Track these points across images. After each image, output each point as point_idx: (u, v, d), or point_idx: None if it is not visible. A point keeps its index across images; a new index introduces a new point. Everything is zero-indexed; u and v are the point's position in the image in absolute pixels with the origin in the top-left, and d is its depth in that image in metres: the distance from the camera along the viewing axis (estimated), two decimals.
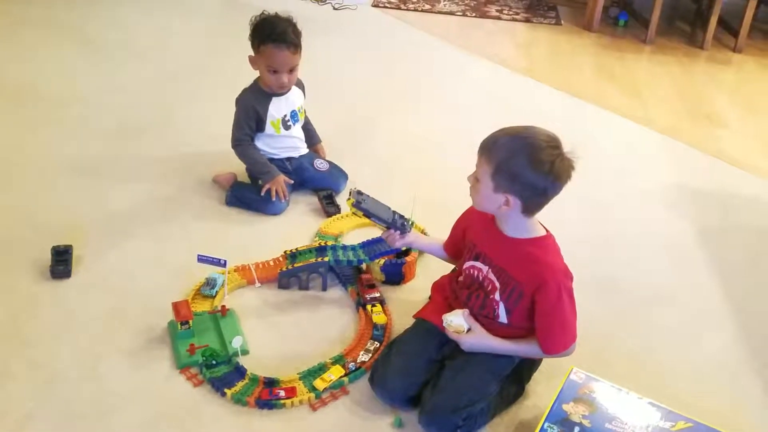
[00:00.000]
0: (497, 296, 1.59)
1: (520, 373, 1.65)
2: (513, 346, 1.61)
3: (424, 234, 2.17)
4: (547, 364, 1.71)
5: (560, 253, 1.59)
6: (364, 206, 1.71)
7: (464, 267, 1.67)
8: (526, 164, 1.44)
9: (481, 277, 1.62)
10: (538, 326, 1.57)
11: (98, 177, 2.39)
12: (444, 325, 1.63)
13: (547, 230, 1.60)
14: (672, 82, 3.56)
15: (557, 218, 2.33)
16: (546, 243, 1.57)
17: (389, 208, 1.77)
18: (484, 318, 1.63)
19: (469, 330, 1.61)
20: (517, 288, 1.56)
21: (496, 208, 1.52)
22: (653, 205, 2.49)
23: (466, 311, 1.63)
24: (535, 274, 1.53)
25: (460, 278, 1.69)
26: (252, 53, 2.20)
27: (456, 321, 1.61)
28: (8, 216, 2.17)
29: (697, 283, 2.11)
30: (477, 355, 1.60)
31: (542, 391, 1.66)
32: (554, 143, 1.47)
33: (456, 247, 1.78)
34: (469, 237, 1.67)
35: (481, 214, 1.61)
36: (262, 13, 2.20)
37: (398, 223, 1.75)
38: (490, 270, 1.60)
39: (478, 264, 1.62)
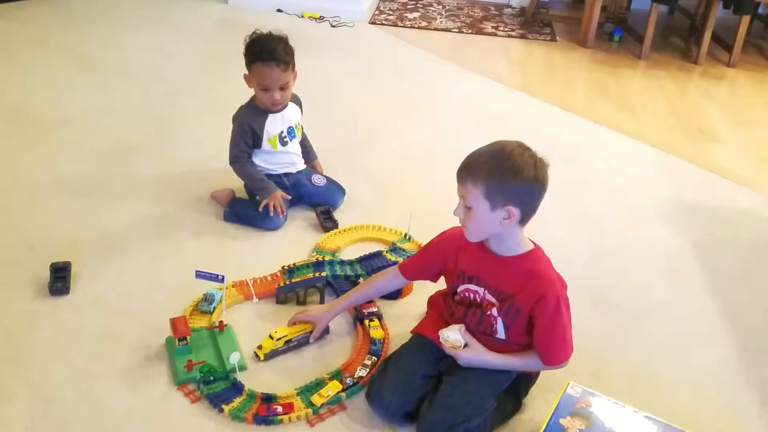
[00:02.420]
0: (495, 312, 1.60)
1: (517, 387, 1.65)
2: (510, 361, 1.61)
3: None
4: (544, 378, 1.72)
5: (551, 263, 1.60)
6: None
7: (458, 290, 1.66)
8: (512, 174, 1.46)
9: (478, 299, 1.62)
10: (538, 339, 1.58)
11: (95, 196, 2.41)
12: (441, 340, 1.63)
13: (534, 243, 1.61)
14: (666, 96, 3.59)
15: (552, 232, 2.36)
16: (538, 256, 1.58)
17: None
18: (481, 334, 1.64)
19: (466, 345, 1.62)
20: (515, 304, 1.57)
21: (497, 226, 1.52)
22: (647, 219, 2.51)
23: (462, 327, 1.63)
24: (533, 289, 1.54)
25: (456, 297, 1.69)
26: (246, 72, 2.23)
27: (453, 336, 1.62)
28: (5, 235, 2.18)
29: (692, 295, 2.13)
30: (474, 370, 1.60)
31: (539, 405, 1.67)
32: (526, 148, 1.50)
33: (421, 272, 1.78)
34: (459, 266, 1.64)
35: (466, 243, 1.60)
36: (255, 32, 2.22)
37: (302, 340, 1.81)
38: (486, 291, 1.60)
39: (473, 287, 1.62)
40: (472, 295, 1.63)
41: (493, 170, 1.47)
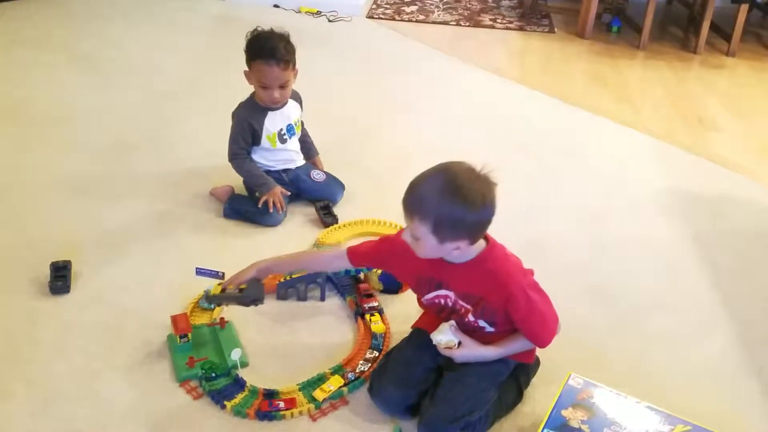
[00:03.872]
0: (471, 317, 1.59)
1: (517, 378, 1.65)
2: (505, 349, 1.60)
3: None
4: (545, 370, 1.72)
5: (507, 252, 1.57)
6: (216, 302, 1.82)
7: (426, 298, 1.64)
8: (460, 208, 1.41)
9: (450, 303, 1.61)
10: (522, 330, 1.58)
11: (94, 194, 2.41)
12: (434, 343, 1.61)
13: (487, 237, 1.55)
14: (665, 87, 3.59)
15: (551, 225, 2.37)
16: (493, 253, 1.54)
17: (236, 292, 1.74)
18: (471, 331, 1.63)
19: (460, 343, 1.60)
20: (487, 306, 1.56)
21: (447, 253, 1.50)
22: (646, 210, 2.50)
23: (453, 324, 1.61)
24: (498, 290, 1.52)
25: (425, 302, 1.66)
26: (247, 68, 2.23)
27: (445, 338, 1.60)
28: (5, 234, 2.18)
29: (693, 287, 2.12)
30: (472, 364, 1.60)
31: (540, 397, 1.67)
32: (472, 173, 1.44)
33: (369, 263, 1.75)
34: (422, 272, 1.60)
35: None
36: (256, 28, 2.22)
37: (248, 300, 1.74)
38: (456, 295, 1.59)
39: (443, 292, 1.60)
40: (443, 301, 1.61)
41: (442, 209, 1.42)
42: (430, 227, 1.44)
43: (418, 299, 1.71)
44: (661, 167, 2.80)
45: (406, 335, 1.73)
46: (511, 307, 1.53)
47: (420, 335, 1.69)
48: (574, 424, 1.48)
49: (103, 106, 3.02)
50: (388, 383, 1.61)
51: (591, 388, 1.58)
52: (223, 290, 1.74)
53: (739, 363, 1.84)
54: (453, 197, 1.41)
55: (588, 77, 3.68)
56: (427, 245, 1.48)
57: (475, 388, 1.55)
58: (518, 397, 1.66)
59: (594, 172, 2.73)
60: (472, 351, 1.60)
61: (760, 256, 2.29)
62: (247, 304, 1.74)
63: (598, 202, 2.53)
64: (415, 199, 1.46)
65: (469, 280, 1.55)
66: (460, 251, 1.49)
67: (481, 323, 1.59)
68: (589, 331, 1.90)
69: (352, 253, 1.72)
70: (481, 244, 1.54)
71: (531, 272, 1.60)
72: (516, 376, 1.65)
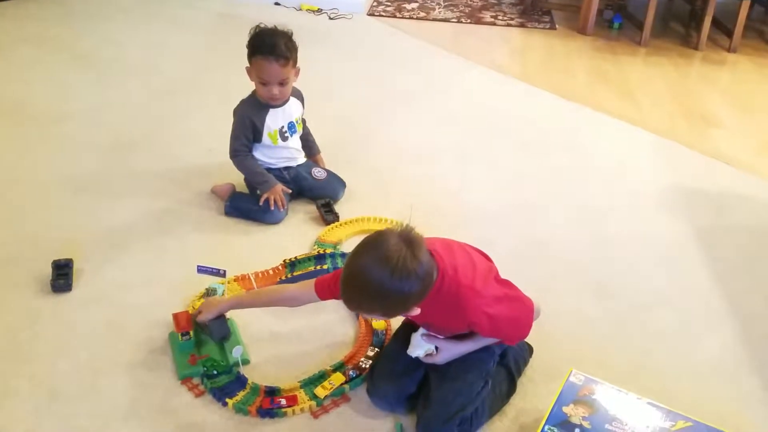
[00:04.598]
0: (443, 337, 1.60)
1: (508, 367, 1.65)
2: (484, 340, 1.59)
3: None
4: (546, 366, 1.72)
5: (458, 270, 1.47)
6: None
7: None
8: (401, 291, 1.35)
9: (419, 324, 1.62)
10: (497, 337, 1.58)
11: (95, 192, 2.41)
12: (413, 357, 1.60)
13: (432, 256, 1.43)
14: (667, 83, 3.58)
15: (553, 222, 2.37)
16: (444, 285, 1.45)
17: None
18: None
19: (437, 348, 1.59)
20: (453, 330, 1.58)
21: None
22: (649, 207, 2.50)
23: (423, 332, 1.60)
24: (458, 319, 1.51)
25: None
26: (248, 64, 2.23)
27: (422, 350, 1.59)
28: (6, 233, 2.18)
29: (694, 283, 2.12)
30: (455, 359, 1.59)
31: (542, 393, 1.67)
32: (400, 245, 1.34)
33: (331, 296, 1.65)
34: None
35: None
36: (259, 25, 2.22)
37: (217, 337, 1.74)
38: (418, 323, 1.61)
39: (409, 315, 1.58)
40: (410, 317, 1.62)
41: (385, 299, 1.37)
42: (379, 314, 1.48)
43: None
44: (662, 163, 2.80)
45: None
46: (475, 330, 1.54)
47: (405, 330, 1.70)
48: (576, 420, 1.48)
49: (104, 105, 3.02)
50: (379, 379, 1.62)
51: (592, 384, 1.57)
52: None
53: (741, 359, 1.84)
54: (390, 289, 1.34)
55: (589, 74, 3.68)
56: (382, 319, 1.53)
57: (463, 382, 1.56)
58: (512, 386, 1.66)
59: (595, 168, 2.72)
60: (451, 351, 1.59)
61: (762, 253, 2.28)
62: (216, 341, 1.75)
63: (599, 198, 2.53)
64: (355, 300, 1.42)
65: (427, 315, 1.51)
66: (413, 313, 1.46)
67: (458, 333, 1.60)
68: (591, 327, 1.90)
69: (319, 288, 1.65)
70: (426, 293, 1.43)
71: (492, 273, 1.55)
72: (506, 364, 1.65)
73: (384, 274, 1.33)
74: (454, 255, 1.50)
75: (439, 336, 1.61)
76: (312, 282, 1.67)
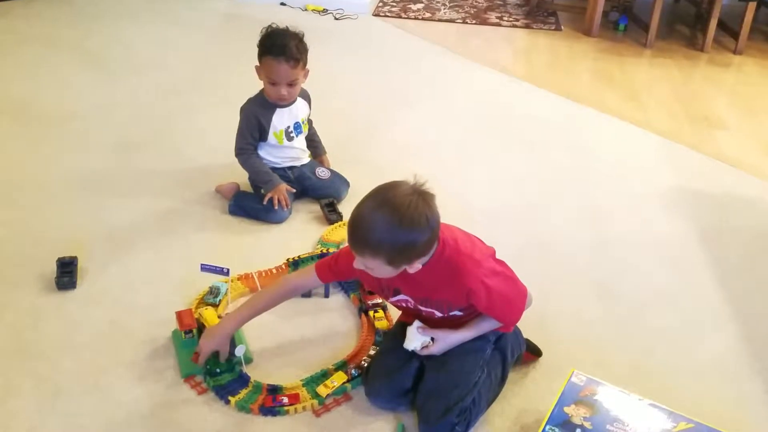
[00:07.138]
0: (438, 315, 1.60)
1: (503, 351, 1.65)
2: (478, 328, 1.60)
3: None
4: (548, 366, 1.73)
5: (459, 243, 1.52)
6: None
7: (391, 301, 1.65)
8: (409, 237, 1.39)
9: (413, 307, 1.62)
10: (491, 315, 1.58)
11: (100, 191, 2.42)
12: (410, 351, 1.61)
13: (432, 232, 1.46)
14: (672, 85, 3.57)
15: (556, 222, 2.37)
16: (445, 253, 1.49)
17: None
18: (441, 320, 1.62)
19: (433, 339, 1.60)
20: (451, 304, 1.57)
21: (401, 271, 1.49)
22: (653, 208, 2.50)
23: (418, 324, 1.60)
24: (456, 288, 1.51)
25: (392, 302, 1.67)
26: (258, 63, 2.23)
27: (418, 343, 1.59)
28: (12, 231, 2.20)
29: (697, 284, 2.12)
30: (451, 349, 1.59)
31: (543, 394, 1.67)
32: (410, 194, 1.39)
33: (337, 277, 1.71)
34: (381, 281, 1.59)
35: None
36: (271, 25, 2.22)
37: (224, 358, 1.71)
38: (415, 302, 1.59)
39: (402, 296, 1.60)
40: (405, 304, 1.63)
41: (392, 240, 1.39)
42: (384, 261, 1.43)
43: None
44: (667, 165, 2.79)
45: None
46: (473, 300, 1.53)
47: (399, 327, 1.70)
48: (577, 421, 1.49)
49: (110, 104, 3.03)
50: (373, 378, 1.63)
51: (594, 385, 1.58)
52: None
53: (744, 360, 1.84)
54: (399, 229, 1.38)
55: (594, 75, 3.67)
56: (383, 272, 1.47)
57: (460, 372, 1.56)
58: (504, 371, 1.65)
59: (600, 169, 2.72)
60: (447, 341, 1.59)
61: (765, 254, 2.28)
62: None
63: (603, 199, 2.53)
64: (362, 239, 1.42)
65: (425, 286, 1.53)
66: (412, 269, 1.47)
67: (452, 313, 1.60)
68: (593, 327, 1.90)
69: (320, 271, 1.67)
70: (432, 246, 1.49)
71: (490, 252, 1.58)
72: (501, 346, 1.65)
73: (394, 216, 1.37)
74: (453, 231, 1.56)
75: (435, 319, 1.60)
76: (312, 267, 1.70)
